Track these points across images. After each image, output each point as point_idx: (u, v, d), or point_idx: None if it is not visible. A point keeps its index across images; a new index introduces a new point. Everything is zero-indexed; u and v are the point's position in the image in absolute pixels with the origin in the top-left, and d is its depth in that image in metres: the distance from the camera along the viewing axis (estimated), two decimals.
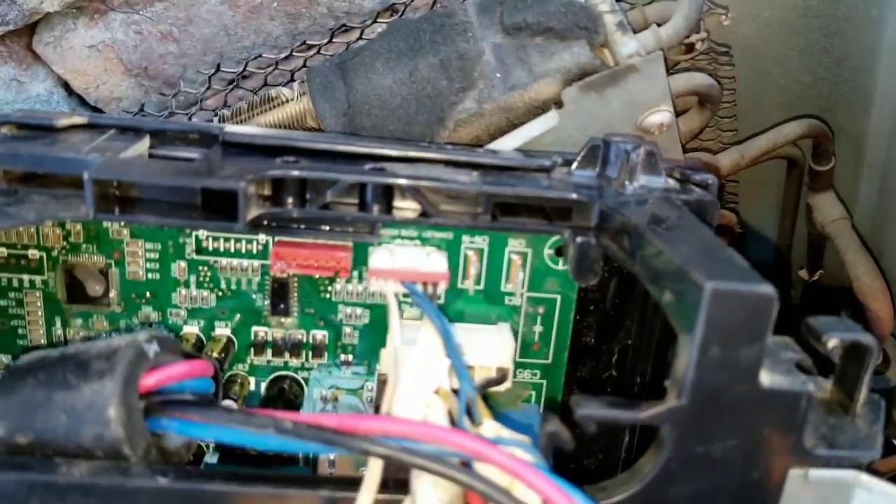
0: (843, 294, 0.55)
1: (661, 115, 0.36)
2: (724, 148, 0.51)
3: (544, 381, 0.34)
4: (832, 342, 0.25)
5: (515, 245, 0.32)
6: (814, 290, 0.62)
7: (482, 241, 0.32)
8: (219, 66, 0.41)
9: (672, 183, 0.33)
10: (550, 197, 0.30)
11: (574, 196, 0.30)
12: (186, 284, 0.33)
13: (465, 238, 0.32)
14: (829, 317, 0.26)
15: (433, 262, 0.31)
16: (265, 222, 0.30)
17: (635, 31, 0.37)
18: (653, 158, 0.32)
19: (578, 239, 0.30)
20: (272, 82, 0.44)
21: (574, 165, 0.32)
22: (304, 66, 0.42)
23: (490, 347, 0.31)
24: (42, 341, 0.33)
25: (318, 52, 0.42)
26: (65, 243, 0.32)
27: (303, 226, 0.30)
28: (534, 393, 0.35)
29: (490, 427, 0.25)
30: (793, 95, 0.52)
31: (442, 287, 0.31)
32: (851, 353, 0.26)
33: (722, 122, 0.50)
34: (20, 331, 0.33)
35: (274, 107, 0.40)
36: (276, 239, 0.31)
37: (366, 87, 0.37)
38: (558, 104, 0.35)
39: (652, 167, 0.32)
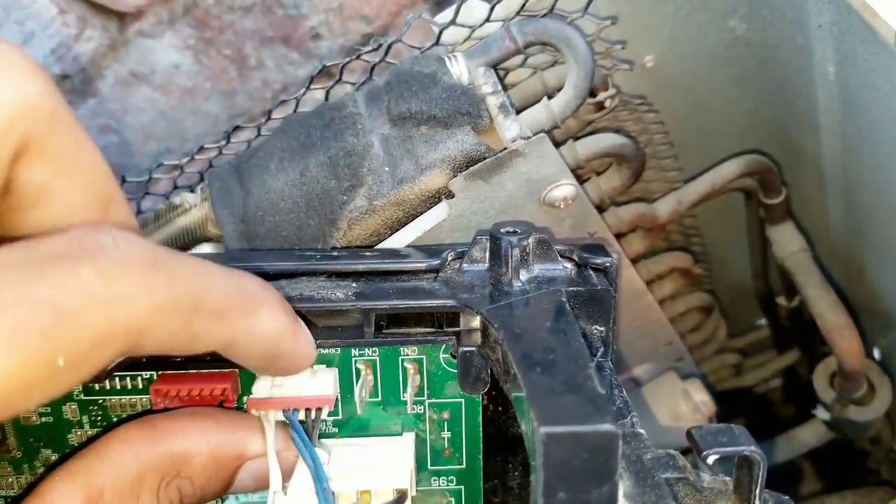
0: None
1: (562, 190, 0.34)
2: (672, 189, 0.49)
3: (462, 487, 0.33)
4: (711, 458, 0.23)
5: (408, 353, 0.31)
6: (798, 314, 0.59)
7: (372, 353, 0.31)
8: (123, 178, 0.41)
9: (570, 268, 0.31)
10: (429, 306, 0.29)
11: (451, 303, 0.29)
12: (80, 425, 0.32)
13: (354, 351, 0.31)
14: (716, 426, 0.24)
15: (319, 383, 0.29)
16: (144, 359, 0.30)
17: (534, 102, 0.36)
18: (545, 246, 0.30)
19: (462, 348, 0.29)
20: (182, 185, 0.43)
21: (464, 263, 0.31)
22: (210, 166, 0.41)
23: (386, 467, 0.30)
24: None
25: (220, 154, 0.41)
26: None
27: (179, 358, 0.30)
28: (453, 500, 0.33)
29: None
30: (740, 123, 0.50)
31: (326, 412, 0.29)
32: (743, 463, 0.24)
33: (663, 163, 0.48)
34: None
35: (178, 215, 0.39)
36: (160, 373, 0.30)
37: (260, 191, 0.36)
38: (448, 194, 0.33)
39: (546, 255, 0.30)
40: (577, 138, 0.39)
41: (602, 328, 0.30)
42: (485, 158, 0.33)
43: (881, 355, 0.55)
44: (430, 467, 0.32)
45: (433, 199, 0.34)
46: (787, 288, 0.56)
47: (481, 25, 0.36)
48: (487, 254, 0.31)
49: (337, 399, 0.31)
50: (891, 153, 0.38)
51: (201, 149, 0.39)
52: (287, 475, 0.28)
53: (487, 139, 0.34)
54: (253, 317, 0.23)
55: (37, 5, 0.51)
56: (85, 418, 0.32)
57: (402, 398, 0.31)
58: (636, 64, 0.42)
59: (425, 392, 0.31)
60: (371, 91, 0.36)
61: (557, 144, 0.37)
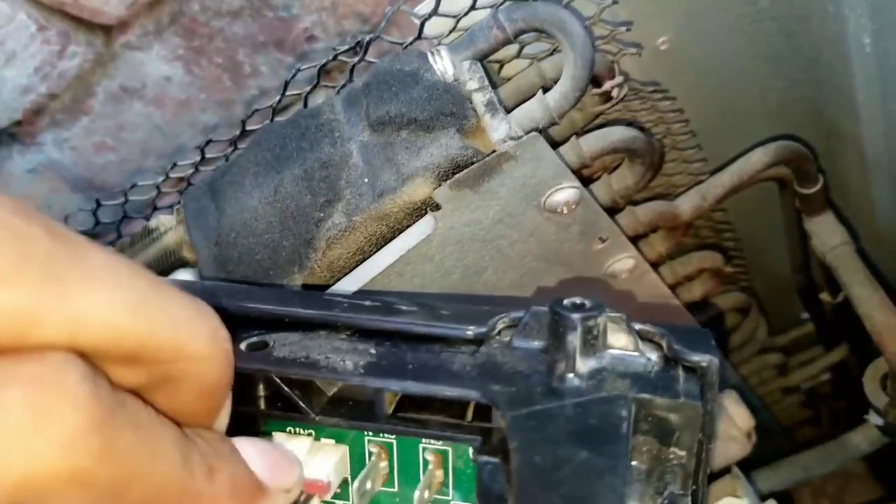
0: None
1: (564, 193, 0.30)
2: (697, 182, 0.44)
3: None
4: None
5: (431, 441, 0.25)
6: (844, 308, 0.55)
7: (388, 435, 0.25)
8: (98, 202, 0.38)
9: (654, 361, 0.23)
10: (447, 395, 0.23)
11: (475, 395, 0.22)
12: None
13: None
14: None
15: (317, 465, 0.24)
16: None
17: (532, 96, 0.32)
18: (623, 327, 0.23)
19: (481, 458, 0.23)
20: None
21: (516, 337, 0.24)
22: (189, 184, 0.38)
23: None
24: None
25: (197, 171, 0.37)
26: None
27: None
28: None
29: None
30: (769, 105, 0.46)
31: (316, 502, 0.24)
32: None
33: (684, 154, 0.43)
34: None
35: (154, 240, 0.36)
36: None
37: (234, 210, 0.33)
38: (434, 206, 0.30)
39: (623, 338, 0.23)
40: (583, 133, 0.35)
41: (682, 453, 0.22)
42: (472, 164, 0.29)
43: None
44: None
45: (418, 212, 0.31)
46: (830, 283, 0.51)
47: (466, 14, 0.32)
48: (545, 328, 0.24)
49: (346, 480, 0.26)
50: None
51: (174, 166, 0.36)
52: None
53: (475, 142, 0.30)
54: None
55: (15, 23, 0.49)
56: None
57: (419, 490, 0.25)
58: (648, 46, 0.38)
59: (450, 490, 0.26)
60: (349, 94, 0.33)
61: (559, 143, 0.34)
